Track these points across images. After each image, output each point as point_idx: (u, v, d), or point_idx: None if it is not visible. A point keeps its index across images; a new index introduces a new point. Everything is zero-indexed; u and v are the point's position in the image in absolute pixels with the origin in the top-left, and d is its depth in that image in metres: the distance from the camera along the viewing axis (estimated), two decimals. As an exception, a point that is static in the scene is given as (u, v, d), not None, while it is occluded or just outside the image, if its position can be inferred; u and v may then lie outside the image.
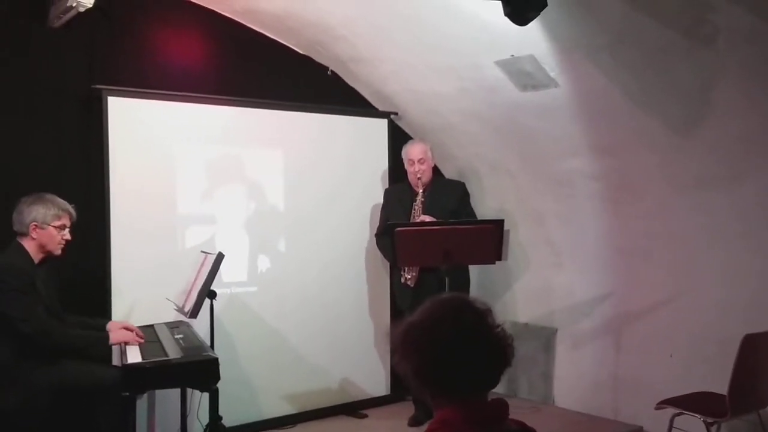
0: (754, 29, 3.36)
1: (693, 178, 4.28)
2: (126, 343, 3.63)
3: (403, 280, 4.80)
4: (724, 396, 3.58)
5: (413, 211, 4.75)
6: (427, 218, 4.60)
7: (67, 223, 3.65)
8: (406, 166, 4.87)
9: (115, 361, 3.83)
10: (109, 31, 4.37)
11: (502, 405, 1.64)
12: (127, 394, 3.28)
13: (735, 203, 4.15)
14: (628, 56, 3.89)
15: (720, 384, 3.62)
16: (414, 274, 4.74)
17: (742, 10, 3.30)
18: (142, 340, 3.68)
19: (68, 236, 3.65)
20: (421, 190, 4.75)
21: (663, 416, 3.87)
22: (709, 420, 3.65)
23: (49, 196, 3.65)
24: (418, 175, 4.75)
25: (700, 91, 3.86)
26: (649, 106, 4.11)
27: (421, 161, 4.78)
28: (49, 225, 3.57)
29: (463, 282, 4.79)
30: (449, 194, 4.84)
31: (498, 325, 1.63)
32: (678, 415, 3.80)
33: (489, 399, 1.65)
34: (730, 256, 4.24)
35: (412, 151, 4.84)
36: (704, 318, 4.36)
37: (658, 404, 3.87)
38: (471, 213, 4.88)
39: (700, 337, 4.36)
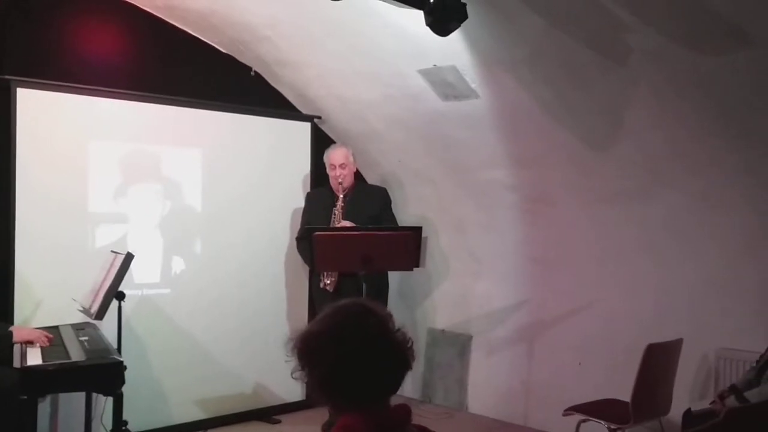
0: (665, 50, 3.50)
1: (605, 192, 4.42)
2: (30, 342, 3.48)
3: (322, 285, 4.77)
4: (628, 403, 3.70)
5: (333, 216, 4.73)
6: (347, 223, 4.59)
7: None
8: (328, 170, 4.85)
9: (15, 362, 3.67)
10: (22, 21, 4.20)
11: (404, 410, 1.64)
12: (26, 397, 3.13)
13: (641, 218, 4.31)
14: (547, 71, 3.99)
15: (627, 392, 3.73)
16: (333, 279, 4.72)
17: (654, 30, 3.42)
18: (48, 341, 3.53)
19: None
20: (342, 195, 4.74)
21: (571, 422, 3.97)
22: (613, 426, 3.76)
23: None
24: (339, 180, 4.74)
25: (614, 107, 3.99)
26: (565, 120, 4.22)
27: (342, 166, 4.77)
28: None
29: (382, 288, 4.80)
30: (371, 200, 4.84)
31: (398, 329, 1.63)
32: (584, 421, 3.90)
33: (394, 404, 1.65)
34: (636, 268, 4.40)
35: (333, 156, 4.83)
36: (612, 327, 4.50)
37: (565, 411, 3.96)
38: (392, 219, 4.90)
39: (607, 345, 4.50)
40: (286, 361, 1.68)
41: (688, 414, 3.48)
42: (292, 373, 1.64)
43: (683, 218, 4.16)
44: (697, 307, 4.14)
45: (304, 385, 5.33)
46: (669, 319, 4.21)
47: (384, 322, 1.64)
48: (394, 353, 1.61)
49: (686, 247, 4.19)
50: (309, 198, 5.05)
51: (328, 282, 4.73)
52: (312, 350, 1.61)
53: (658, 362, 3.77)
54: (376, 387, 1.60)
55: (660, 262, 4.30)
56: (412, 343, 1.67)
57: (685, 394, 4.08)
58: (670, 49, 3.49)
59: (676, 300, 4.25)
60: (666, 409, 3.90)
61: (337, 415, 1.63)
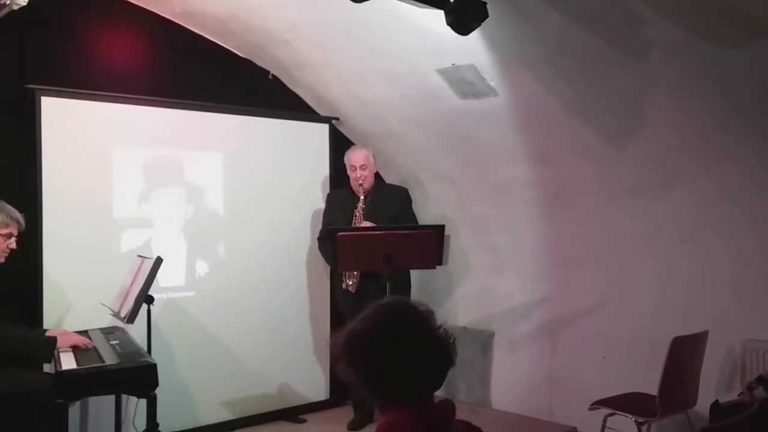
0: (685, 43, 3.51)
1: (626, 185, 4.43)
2: (76, 347, 3.53)
3: (344, 285, 4.81)
4: (655, 396, 3.71)
5: (354, 218, 4.76)
6: (368, 224, 4.62)
7: (14, 232, 3.56)
8: (348, 171, 4.88)
9: (48, 367, 3.73)
10: (44, 30, 4.25)
11: (449, 405, 1.67)
12: (61, 401, 3.18)
13: (667, 210, 4.31)
14: (566, 67, 4.00)
15: (651, 385, 3.75)
16: (355, 279, 4.75)
17: (673, 24, 3.44)
18: (92, 346, 3.59)
19: (14, 245, 3.56)
20: (362, 196, 4.77)
21: (596, 417, 3.99)
22: (640, 420, 3.78)
23: (0, 202, 3.54)
24: (360, 182, 4.77)
25: (633, 102, 4.00)
26: (585, 116, 4.23)
27: (362, 167, 4.79)
28: None
29: (404, 287, 4.82)
30: (391, 200, 4.86)
31: (440, 326, 1.66)
32: (610, 415, 3.92)
33: (435, 400, 1.68)
34: (663, 261, 4.40)
35: (354, 157, 4.85)
36: (637, 321, 4.50)
37: (591, 405, 3.98)
38: (413, 218, 4.92)
39: (632, 339, 4.50)
40: (325, 361, 1.70)
41: (715, 406, 3.47)
42: (339, 373, 1.66)
43: (706, 211, 4.16)
44: (721, 299, 4.13)
45: (329, 384, 5.43)
46: (693, 311, 4.21)
47: (426, 318, 1.67)
48: (437, 349, 1.65)
49: (709, 239, 4.19)
50: (330, 199, 5.08)
51: (350, 283, 4.77)
52: (356, 349, 1.64)
53: (684, 355, 3.78)
54: (419, 383, 1.63)
55: (679, 255, 4.31)
56: (454, 339, 1.70)
57: (712, 387, 4.08)
58: (689, 43, 3.50)
59: (700, 292, 4.24)
60: (693, 401, 3.92)
61: (383, 412, 1.66)
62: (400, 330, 1.62)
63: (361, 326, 1.66)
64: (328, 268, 5.20)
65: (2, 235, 3.49)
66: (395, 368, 1.60)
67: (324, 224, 4.98)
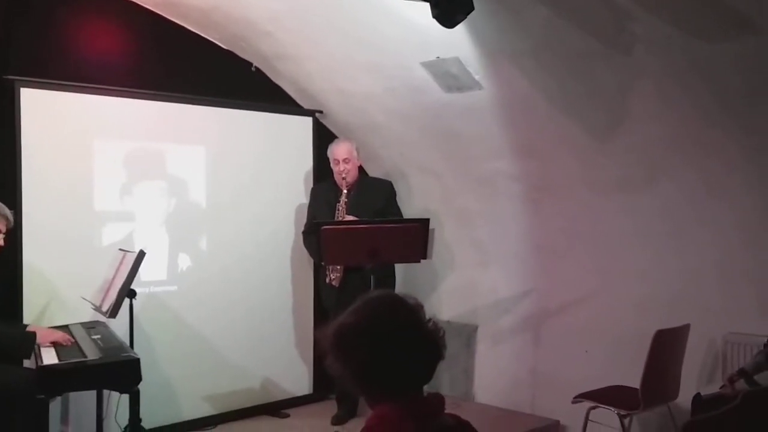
0: (671, 38, 3.52)
1: (612, 179, 4.44)
2: (57, 343, 3.49)
3: (327, 280, 4.79)
4: (637, 389, 3.74)
5: (337, 212, 4.74)
6: (351, 218, 4.60)
7: (3, 228, 3.52)
8: (332, 165, 4.85)
9: (28, 362, 3.68)
10: (24, 20, 4.19)
11: (438, 399, 1.66)
12: (42, 396, 3.13)
13: (652, 204, 4.33)
14: (550, 61, 4.00)
15: (634, 378, 3.78)
16: (338, 274, 4.74)
17: (659, 19, 3.45)
18: (71, 342, 3.55)
19: (1, 242, 3.52)
20: (346, 190, 4.75)
21: (579, 410, 4.01)
22: (623, 412, 3.81)
23: None
24: (343, 175, 4.75)
25: (619, 96, 4.01)
26: (569, 110, 4.24)
27: (345, 161, 4.77)
28: None
29: (389, 281, 4.81)
30: (375, 193, 4.85)
31: (429, 320, 1.65)
32: (593, 408, 3.94)
33: (428, 393, 1.67)
34: (648, 255, 4.42)
35: (336, 151, 4.83)
36: (620, 315, 4.53)
37: (574, 398, 4.00)
38: (397, 212, 4.91)
39: (616, 333, 4.52)
40: (320, 357, 1.68)
41: (697, 398, 3.50)
42: (326, 367, 1.65)
43: (688, 205, 4.19)
44: (706, 293, 4.16)
45: (312, 378, 5.40)
46: (675, 305, 4.23)
47: (415, 312, 1.66)
48: (427, 343, 1.64)
49: (690, 233, 4.22)
50: (314, 193, 5.06)
51: (334, 277, 4.75)
52: (345, 342, 1.62)
53: (666, 348, 3.81)
54: (409, 377, 1.62)
55: (664, 249, 4.33)
56: (444, 333, 1.69)
57: (693, 379, 4.11)
58: (675, 38, 3.52)
59: (681, 286, 4.27)
60: (675, 394, 3.95)
61: (371, 406, 1.65)
62: (389, 323, 1.61)
63: (351, 319, 1.64)
64: (312, 262, 5.18)
65: None
66: (384, 362, 1.59)
67: (308, 218, 4.96)
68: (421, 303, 1.70)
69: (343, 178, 4.75)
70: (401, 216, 4.92)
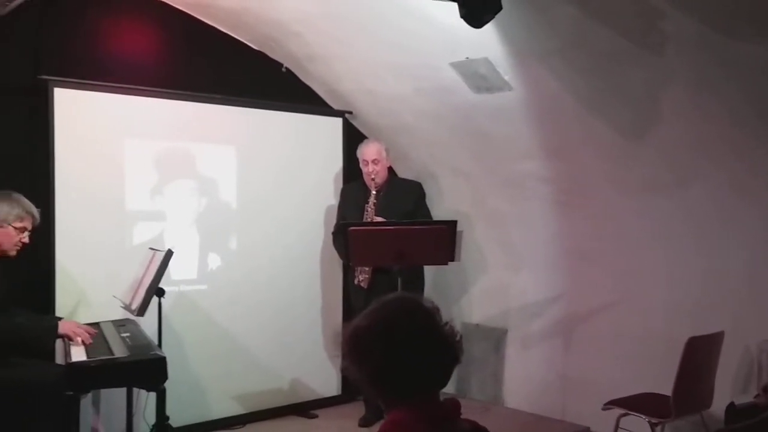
0: (703, 38, 3.44)
1: (641, 182, 4.36)
2: (74, 336, 3.53)
3: (356, 281, 4.78)
4: (669, 397, 3.66)
5: (366, 213, 4.72)
6: (379, 220, 4.59)
7: (29, 226, 3.56)
8: (361, 165, 4.84)
9: (59, 359, 3.74)
10: (57, 21, 4.26)
11: (454, 405, 1.64)
12: (71, 393, 3.17)
13: (681, 207, 4.24)
14: (580, 61, 3.94)
15: (665, 385, 3.69)
16: (367, 276, 4.72)
17: (691, 18, 3.37)
18: (91, 336, 3.59)
19: (26, 239, 3.57)
20: (375, 191, 4.73)
21: (609, 417, 3.93)
22: (654, 420, 3.73)
23: (16, 195, 3.56)
24: (372, 176, 4.73)
25: (648, 96, 3.93)
26: (599, 110, 4.17)
27: (375, 162, 4.75)
28: (10, 225, 3.48)
29: (417, 283, 4.78)
30: (404, 195, 4.81)
31: (446, 323, 1.63)
32: (624, 415, 3.87)
33: (441, 399, 1.64)
34: (677, 259, 4.34)
35: (366, 152, 4.81)
36: (651, 320, 4.44)
37: (604, 405, 3.93)
38: (427, 214, 4.86)
39: (646, 338, 4.44)
40: (335, 357, 1.67)
41: (731, 408, 3.42)
42: (342, 369, 1.64)
43: (723, 208, 4.09)
44: (738, 299, 4.06)
45: (340, 380, 5.41)
46: (709, 311, 4.14)
47: (431, 315, 1.64)
48: (442, 347, 1.62)
49: (726, 238, 4.12)
50: (343, 193, 5.05)
51: (362, 279, 4.74)
52: (360, 345, 1.61)
53: (699, 355, 3.72)
54: (424, 381, 1.60)
55: (699, 254, 4.24)
56: (460, 336, 1.67)
57: (727, 388, 4.02)
58: (706, 37, 3.43)
59: (716, 292, 4.17)
60: (708, 402, 3.85)
61: (386, 410, 1.63)
62: (405, 327, 1.59)
63: (366, 323, 1.63)
64: (341, 263, 5.18)
65: (17, 228, 3.49)
66: (400, 365, 1.57)
67: (338, 219, 4.95)
68: (438, 306, 1.68)
69: (372, 179, 4.73)
70: (431, 218, 4.89)
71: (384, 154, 4.81)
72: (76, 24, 4.34)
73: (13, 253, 3.54)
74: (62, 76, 4.17)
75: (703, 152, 4.00)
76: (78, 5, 4.33)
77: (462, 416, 1.67)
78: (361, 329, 1.62)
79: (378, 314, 1.62)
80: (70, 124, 4.19)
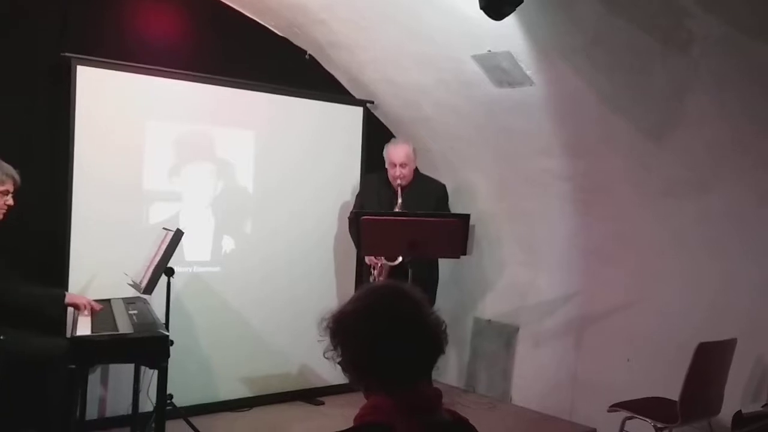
0: (729, 38, 3.37)
1: (661, 183, 4.30)
2: (82, 307, 3.58)
3: (372, 279, 4.72)
4: (676, 402, 3.60)
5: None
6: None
7: (11, 188, 3.56)
8: (387, 166, 4.71)
9: (68, 333, 3.79)
10: (84, 1, 4.29)
11: (435, 394, 1.63)
12: (74, 366, 3.22)
13: (700, 211, 4.18)
14: (603, 59, 3.88)
15: (675, 390, 3.64)
16: (383, 277, 4.60)
17: (717, 19, 3.30)
18: (98, 308, 3.65)
19: (11, 202, 3.57)
20: (400, 191, 4.56)
21: (617, 419, 3.89)
22: (659, 425, 3.68)
23: None
24: (398, 180, 4.57)
25: (672, 96, 3.87)
26: (621, 109, 4.11)
27: (403, 165, 4.60)
28: None
29: (432, 278, 4.74)
30: (428, 196, 4.69)
31: (432, 313, 1.61)
32: (629, 418, 3.82)
33: (425, 388, 1.63)
34: (693, 263, 4.27)
35: (394, 154, 4.65)
36: (663, 323, 4.38)
37: (610, 407, 3.89)
38: None
39: (658, 342, 4.38)
40: (318, 341, 1.67)
41: (738, 416, 3.35)
42: (324, 353, 1.64)
43: (744, 212, 4.01)
44: (754, 307, 3.98)
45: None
46: (724, 317, 4.07)
47: (417, 304, 1.62)
48: (426, 336, 1.60)
49: (745, 243, 4.04)
50: (366, 183, 5.00)
51: (380, 278, 4.65)
52: (343, 330, 1.61)
53: (709, 361, 3.66)
54: (406, 369, 1.59)
55: (718, 258, 4.16)
56: (446, 326, 1.65)
57: (737, 396, 3.95)
58: (733, 36, 3.36)
59: (732, 298, 4.10)
60: (716, 409, 3.79)
61: (366, 396, 1.63)
62: (388, 313, 1.58)
63: (351, 307, 1.63)
64: (355, 252, 5.16)
65: None
66: (381, 351, 1.56)
67: (356, 206, 4.90)
68: (426, 296, 1.66)
69: (399, 183, 4.58)
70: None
71: (413, 156, 4.68)
72: (103, 4, 4.38)
73: (0, 216, 3.56)
74: (85, 54, 4.21)
75: (724, 156, 3.93)
76: (103, -16, 4.37)
77: (446, 407, 1.66)
78: (345, 313, 1.62)
79: (362, 300, 1.62)
80: (91, 103, 4.23)
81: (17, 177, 3.59)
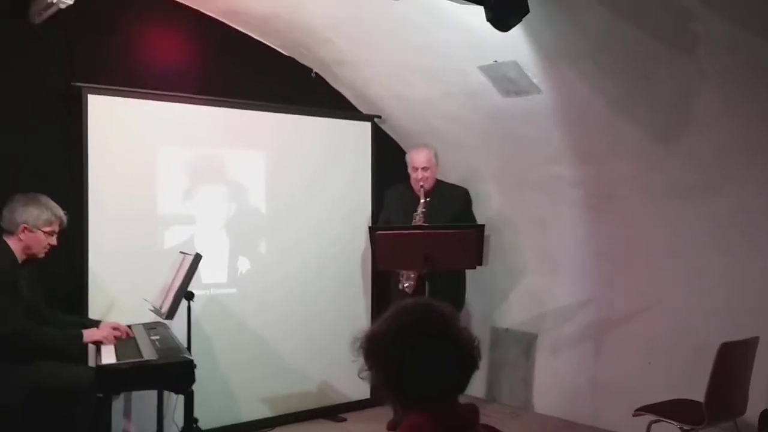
0: (735, 39, 3.38)
1: (671, 186, 4.30)
2: (100, 342, 3.59)
3: (401, 286, 4.70)
4: (701, 403, 3.59)
5: (414, 221, 4.60)
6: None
7: (57, 229, 3.62)
8: (410, 171, 4.75)
9: (90, 361, 3.81)
10: (91, 28, 4.33)
11: (472, 410, 1.63)
12: (101, 395, 3.23)
13: (711, 213, 4.18)
14: (610, 64, 3.90)
15: (697, 391, 3.62)
16: (412, 282, 4.63)
17: (722, 19, 3.32)
18: (125, 335, 3.67)
19: (54, 242, 3.62)
20: (423, 199, 4.60)
21: (640, 423, 3.87)
22: (686, 427, 3.66)
23: (44, 198, 3.61)
24: (421, 183, 4.62)
25: (680, 99, 3.88)
26: (629, 114, 4.13)
27: (425, 169, 4.65)
28: (40, 229, 3.54)
29: (459, 290, 4.76)
30: (451, 201, 4.73)
31: (463, 328, 1.62)
32: (655, 422, 3.80)
33: (461, 404, 1.63)
34: (708, 264, 4.27)
35: (416, 158, 4.70)
36: (682, 325, 4.38)
37: (635, 411, 3.87)
38: (472, 220, 4.76)
39: (677, 344, 4.38)
40: (352, 362, 1.68)
41: (765, 414, 3.35)
42: (359, 373, 1.64)
43: (756, 211, 4.01)
44: (768, 305, 3.99)
45: (370, 383, 5.40)
46: (743, 316, 4.06)
47: (448, 320, 1.63)
48: (459, 352, 1.60)
49: (760, 241, 4.04)
50: (391, 196, 4.98)
51: (407, 285, 4.65)
52: (377, 350, 1.62)
53: (732, 361, 3.65)
54: (441, 386, 1.59)
55: (732, 258, 4.16)
56: (479, 342, 1.65)
57: (762, 394, 3.93)
58: (739, 40, 3.37)
59: (750, 297, 4.09)
60: (742, 409, 3.77)
61: (404, 415, 1.63)
62: (421, 332, 1.59)
63: (383, 327, 1.63)
64: (370, 267, 5.17)
65: (46, 232, 3.55)
66: (416, 370, 1.57)
67: (382, 221, 4.92)
68: (456, 312, 1.67)
69: (421, 187, 4.63)
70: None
71: (434, 160, 4.72)
72: (109, 31, 4.41)
73: (42, 255, 3.61)
74: (96, 83, 4.24)
75: (734, 156, 3.94)
76: (111, 13, 4.40)
77: (482, 422, 1.66)
78: (378, 333, 1.62)
79: (395, 319, 1.62)
80: (103, 131, 4.25)
81: (65, 219, 3.65)
